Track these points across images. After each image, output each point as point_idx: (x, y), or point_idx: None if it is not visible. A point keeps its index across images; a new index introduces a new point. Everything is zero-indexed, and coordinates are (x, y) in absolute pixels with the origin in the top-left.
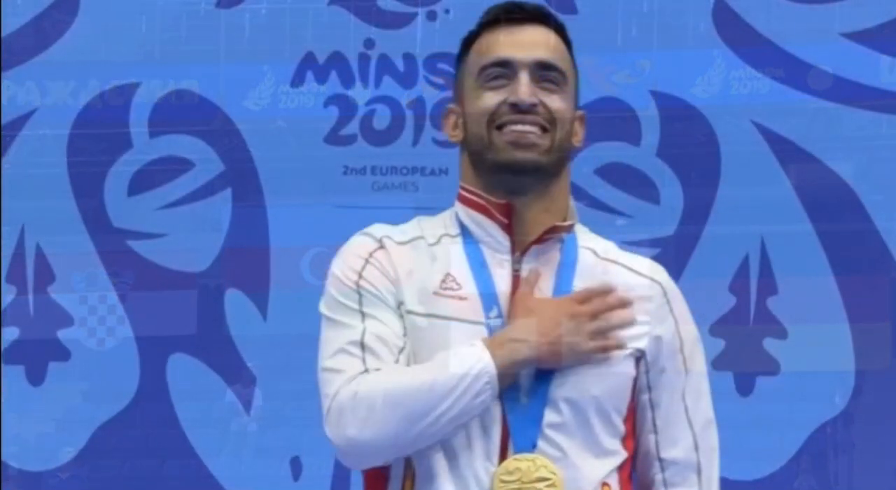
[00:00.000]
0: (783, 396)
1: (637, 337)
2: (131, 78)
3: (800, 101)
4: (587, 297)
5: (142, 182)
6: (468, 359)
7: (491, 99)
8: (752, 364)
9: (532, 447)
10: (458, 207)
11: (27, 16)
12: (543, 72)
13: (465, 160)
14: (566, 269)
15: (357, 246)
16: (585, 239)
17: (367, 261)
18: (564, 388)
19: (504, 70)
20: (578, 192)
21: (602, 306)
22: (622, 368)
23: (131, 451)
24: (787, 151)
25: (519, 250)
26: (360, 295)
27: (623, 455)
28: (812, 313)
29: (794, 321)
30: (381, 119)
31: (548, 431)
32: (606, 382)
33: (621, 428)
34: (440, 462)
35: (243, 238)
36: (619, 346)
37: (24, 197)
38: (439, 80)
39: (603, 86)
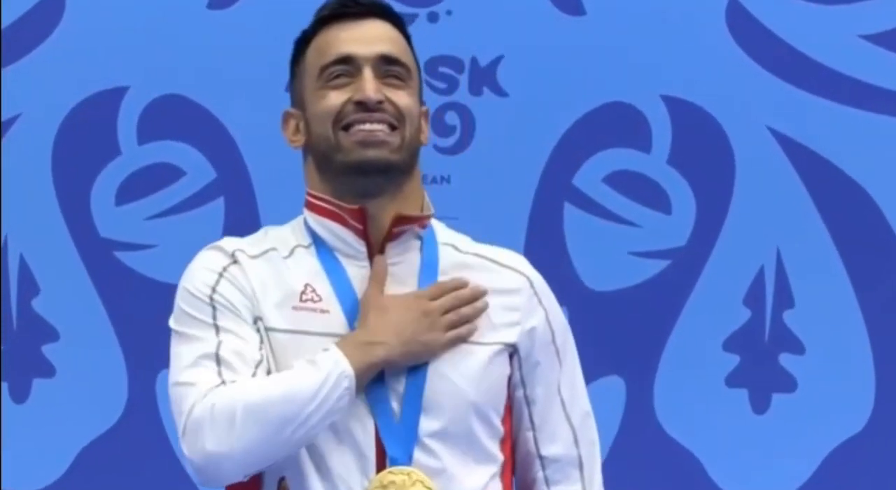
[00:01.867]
0: (800, 414)
1: (506, 330)
2: (119, 82)
3: (818, 107)
4: (439, 291)
5: (130, 190)
6: (325, 364)
7: (335, 99)
8: (767, 381)
9: (409, 459)
10: (308, 215)
11: (9, 18)
12: (387, 67)
13: (309, 166)
14: (428, 268)
15: (208, 260)
16: (444, 235)
17: (220, 275)
18: (439, 393)
19: (346, 67)
20: (586, 202)
21: (454, 301)
22: (496, 366)
23: (119, 470)
24: (804, 159)
25: (376, 253)
26: (215, 308)
27: (502, 458)
28: (830, 328)
29: (812, 336)
30: None
31: (426, 440)
32: (482, 382)
33: (500, 429)
34: (313, 477)
35: None
36: (471, 332)
37: (7, 206)
38: (441, 84)
39: (611, 90)
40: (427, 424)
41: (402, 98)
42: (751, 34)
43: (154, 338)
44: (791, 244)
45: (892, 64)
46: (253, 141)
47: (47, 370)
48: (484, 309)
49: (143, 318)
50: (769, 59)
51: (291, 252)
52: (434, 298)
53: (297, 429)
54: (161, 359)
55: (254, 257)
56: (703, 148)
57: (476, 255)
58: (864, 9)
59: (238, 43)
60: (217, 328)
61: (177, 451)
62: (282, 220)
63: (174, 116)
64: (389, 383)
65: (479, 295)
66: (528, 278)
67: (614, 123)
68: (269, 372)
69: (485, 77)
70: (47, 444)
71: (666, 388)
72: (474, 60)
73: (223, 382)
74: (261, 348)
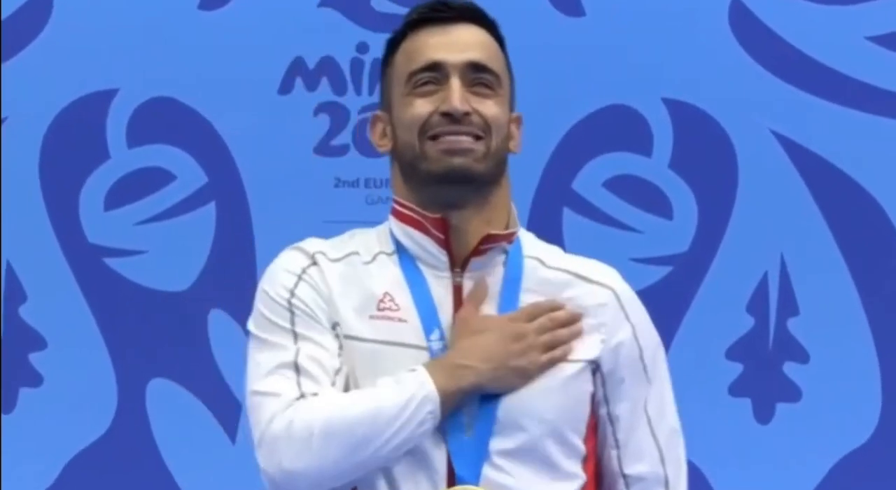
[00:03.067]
0: (805, 424)
1: (590, 347)
2: (108, 84)
3: (823, 110)
4: (534, 313)
5: (119, 195)
6: (410, 385)
7: (422, 107)
8: (771, 390)
9: (477, 477)
10: (392, 223)
11: None
12: (476, 74)
13: (395, 172)
14: (511, 283)
15: (289, 261)
16: (531, 248)
17: (300, 277)
18: (513, 411)
19: (434, 74)
20: (586, 207)
21: (550, 323)
22: (577, 383)
23: (108, 482)
24: (808, 163)
25: (458, 265)
26: (293, 313)
27: (583, 478)
28: (836, 336)
29: (817, 344)
30: None
31: (496, 459)
32: (560, 400)
33: (581, 448)
34: None
35: (228, 255)
36: (566, 356)
37: None
38: None
39: (611, 92)
40: (499, 442)
41: (490, 108)
42: (754, 35)
43: (144, 345)
44: (795, 250)
45: None
46: (245, 144)
47: (35, 379)
48: (580, 332)
49: (132, 326)
50: (773, 61)
51: (374, 258)
52: (529, 320)
53: (376, 450)
54: (151, 367)
55: (335, 260)
56: (706, 152)
57: (562, 270)
58: (870, 9)
59: (230, 44)
60: (295, 334)
61: (167, 460)
62: (273, 226)
63: (164, 119)
64: (464, 399)
65: (576, 318)
66: (614, 292)
67: (615, 126)
68: (347, 380)
69: None
70: (35, 454)
71: None
72: None
73: (302, 395)
74: (339, 355)
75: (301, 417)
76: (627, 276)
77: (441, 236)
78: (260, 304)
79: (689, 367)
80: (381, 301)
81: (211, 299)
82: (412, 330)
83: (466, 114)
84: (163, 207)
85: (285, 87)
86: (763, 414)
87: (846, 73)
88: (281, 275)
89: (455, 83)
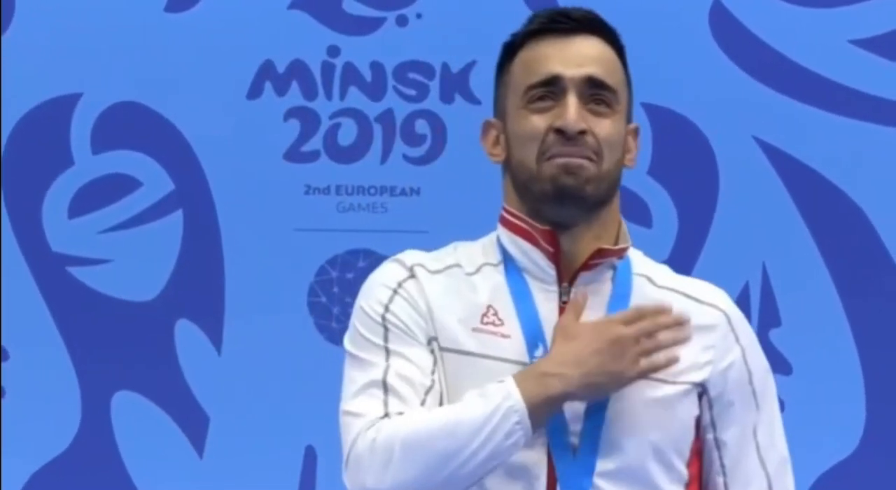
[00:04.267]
0: (788, 437)
1: (698, 369)
2: (72, 88)
3: (806, 115)
4: (635, 316)
5: (84, 202)
6: (495, 396)
7: (537, 124)
8: None
9: None
10: (501, 231)
11: None
12: (593, 91)
13: (508, 183)
14: (619, 300)
15: (385, 275)
16: (641, 265)
17: (395, 292)
18: (618, 432)
19: (551, 88)
20: None
21: (652, 327)
22: (682, 406)
23: None
24: (791, 170)
25: (566, 280)
26: (386, 329)
27: None
28: (819, 347)
29: (800, 356)
30: (347, 134)
31: (599, 481)
32: (665, 423)
33: (684, 473)
34: None
35: (196, 264)
36: (670, 362)
37: None
38: (411, 91)
39: None
40: (602, 463)
41: (605, 128)
42: (735, 38)
43: (108, 357)
44: (777, 259)
45: (883, 70)
46: (213, 150)
47: None
48: (686, 338)
49: (97, 337)
50: (755, 65)
51: (478, 269)
52: (629, 323)
53: (461, 465)
54: (116, 379)
55: (434, 272)
56: (686, 158)
57: (671, 289)
58: (854, 12)
59: (197, 47)
60: (388, 351)
61: (132, 475)
62: (242, 234)
63: (130, 124)
64: (568, 416)
65: (680, 322)
66: (725, 314)
67: None
68: (441, 397)
69: (456, 84)
70: None
71: None
72: (445, 66)
73: (387, 414)
74: (433, 372)
75: (382, 435)
76: None
77: (550, 249)
78: (356, 319)
79: None
80: (485, 314)
81: (178, 309)
82: (515, 345)
83: (581, 132)
84: (128, 215)
85: (254, 92)
86: None
87: (829, 77)
88: (377, 289)
89: (572, 100)
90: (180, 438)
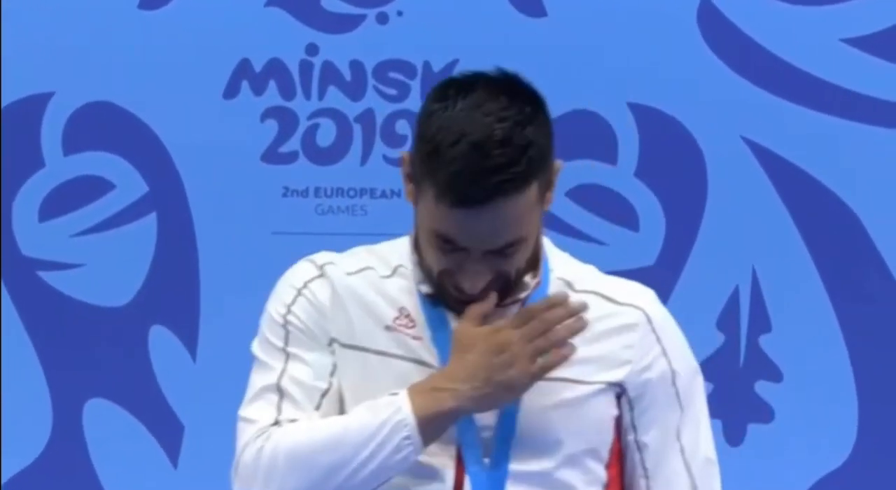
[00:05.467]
0: (778, 446)
1: (615, 369)
2: (43, 87)
3: (796, 115)
4: (525, 317)
5: (55, 205)
6: (384, 410)
7: (439, 260)
8: (742, 410)
9: None
10: (414, 252)
11: None
12: (500, 249)
13: (415, 225)
14: (528, 301)
15: (294, 274)
16: (562, 269)
17: (299, 292)
18: (530, 435)
19: (455, 244)
20: (547, 217)
21: (540, 326)
22: (598, 407)
23: None
24: (781, 171)
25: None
26: (287, 331)
27: None
28: (810, 353)
29: (790, 362)
30: (326, 134)
31: (511, 487)
32: (579, 424)
33: (602, 475)
34: None
35: (170, 269)
36: (564, 358)
37: None
38: (392, 91)
39: (574, 97)
40: (514, 468)
41: (514, 263)
42: (724, 37)
43: (80, 364)
44: (767, 263)
45: (875, 70)
46: (188, 152)
47: None
48: (582, 327)
49: (69, 344)
50: (744, 64)
51: (393, 272)
52: (518, 326)
53: (346, 479)
54: (88, 387)
55: (348, 274)
56: (673, 159)
57: (591, 292)
58: (845, 10)
59: (172, 46)
60: (286, 354)
61: (105, 485)
62: (217, 238)
63: (102, 125)
64: (478, 422)
65: (574, 311)
66: (646, 314)
67: (578, 133)
68: (342, 399)
69: None
70: None
71: None
72: (427, 65)
73: (277, 422)
74: (332, 374)
75: (270, 446)
76: None
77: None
78: (262, 321)
79: None
80: (397, 317)
81: (152, 315)
82: (426, 348)
83: (484, 292)
84: (101, 218)
85: (231, 91)
86: (734, 435)
87: (820, 77)
88: (283, 290)
89: (472, 267)
90: (154, 448)
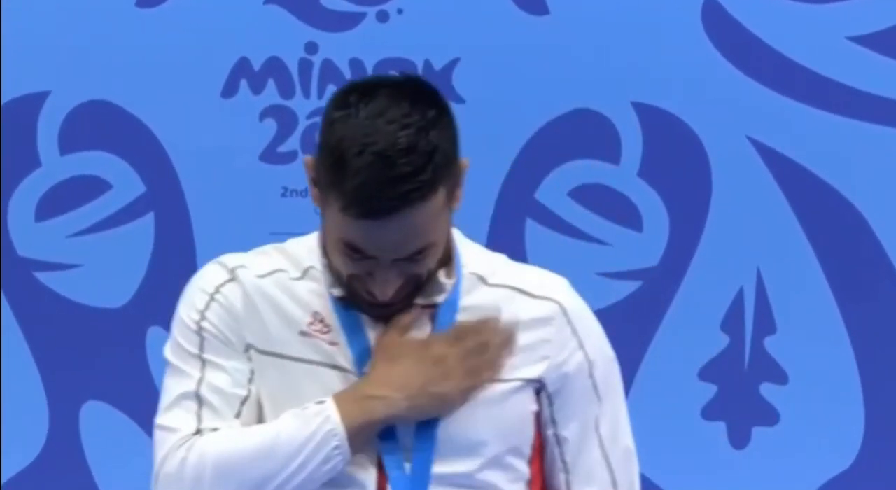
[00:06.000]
0: (783, 450)
1: (533, 365)
2: (39, 86)
3: (802, 114)
4: (458, 335)
5: (51, 205)
6: (313, 419)
7: (348, 267)
8: (747, 413)
9: None
10: (323, 255)
11: None
12: (408, 256)
13: (322, 227)
14: (447, 305)
15: (204, 278)
16: (473, 263)
17: (212, 297)
18: (450, 436)
19: (363, 253)
20: (550, 218)
21: (475, 345)
22: (518, 404)
23: None
24: (787, 171)
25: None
26: (202, 338)
27: None
28: (816, 355)
29: (796, 364)
30: None
31: (435, 488)
32: (499, 423)
33: (525, 471)
34: None
35: (168, 269)
36: (494, 379)
37: None
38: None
39: (577, 96)
40: (437, 470)
41: (424, 267)
42: (729, 35)
43: (77, 366)
44: (773, 264)
45: (882, 68)
46: (186, 151)
47: None
48: (511, 354)
49: (65, 345)
50: (749, 63)
51: (304, 274)
52: (453, 343)
53: (276, 489)
54: (85, 389)
55: (259, 276)
56: (678, 159)
57: (504, 286)
58: (851, 8)
59: (170, 44)
60: (203, 361)
61: (101, 487)
62: (216, 238)
63: (99, 124)
64: (398, 426)
65: (507, 335)
66: (560, 305)
67: (580, 132)
68: (260, 406)
69: (440, 82)
70: None
71: (636, 420)
72: (428, 64)
73: (199, 431)
74: (250, 381)
75: (194, 456)
76: (594, 292)
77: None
78: (174, 326)
79: (659, 389)
80: (311, 323)
81: (150, 316)
82: (344, 353)
83: (394, 301)
84: (98, 218)
85: (229, 90)
86: (738, 438)
87: (826, 76)
88: (194, 295)
89: (381, 276)
90: (152, 451)
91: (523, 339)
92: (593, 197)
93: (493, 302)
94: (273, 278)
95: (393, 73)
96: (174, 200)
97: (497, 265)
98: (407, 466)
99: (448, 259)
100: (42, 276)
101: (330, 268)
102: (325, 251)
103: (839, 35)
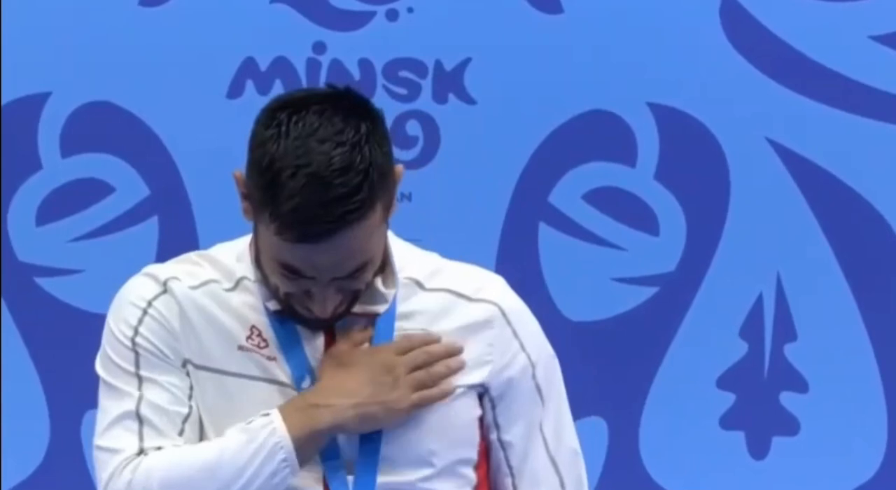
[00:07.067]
0: (804, 460)
1: (476, 370)
2: (40, 87)
3: (823, 115)
4: (407, 345)
5: (53, 209)
6: (259, 433)
7: (284, 285)
8: (766, 422)
9: None
10: (255, 262)
11: None
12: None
13: (254, 241)
14: (386, 316)
15: (134, 291)
16: (408, 267)
17: (145, 311)
18: (395, 446)
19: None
20: (564, 222)
21: (425, 357)
22: (462, 410)
23: None
24: (807, 174)
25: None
26: (137, 354)
27: None
28: (837, 363)
29: (817, 372)
30: None
31: None
32: (444, 430)
33: (472, 477)
34: None
35: None
36: (444, 394)
37: None
38: (402, 90)
39: (592, 97)
40: (382, 480)
41: (362, 282)
42: (748, 34)
43: (79, 374)
44: (793, 269)
45: None
46: (190, 153)
47: None
48: (459, 368)
49: (66, 353)
50: (768, 63)
51: (236, 284)
52: (401, 353)
53: None
54: (87, 397)
55: (192, 288)
56: (695, 161)
57: (441, 289)
58: (874, 6)
59: (174, 44)
60: (140, 379)
61: None
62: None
63: (102, 126)
64: (341, 440)
65: (454, 352)
66: (499, 308)
67: (595, 134)
68: (201, 422)
69: (450, 82)
70: None
71: (653, 430)
72: (438, 64)
73: (142, 451)
74: (190, 398)
75: (140, 476)
76: (609, 298)
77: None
78: (105, 342)
79: (677, 398)
80: (249, 336)
81: None
82: (283, 367)
83: (334, 318)
84: (100, 222)
85: (235, 91)
86: (758, 448)
87: (848, 76)
88: (125, 309)
89: (322, 293)
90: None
91: (465, 345)
92: (608, 200)
93: (431, 307)
94: (205, 289)
95: (404, 74)
96: (178, 204)
97: (431, 267)
98: (350, 479)
99: (384, 266)
100: (43, 282)
101: (264, 281)
102: (259, 264)
103: (861, 34)
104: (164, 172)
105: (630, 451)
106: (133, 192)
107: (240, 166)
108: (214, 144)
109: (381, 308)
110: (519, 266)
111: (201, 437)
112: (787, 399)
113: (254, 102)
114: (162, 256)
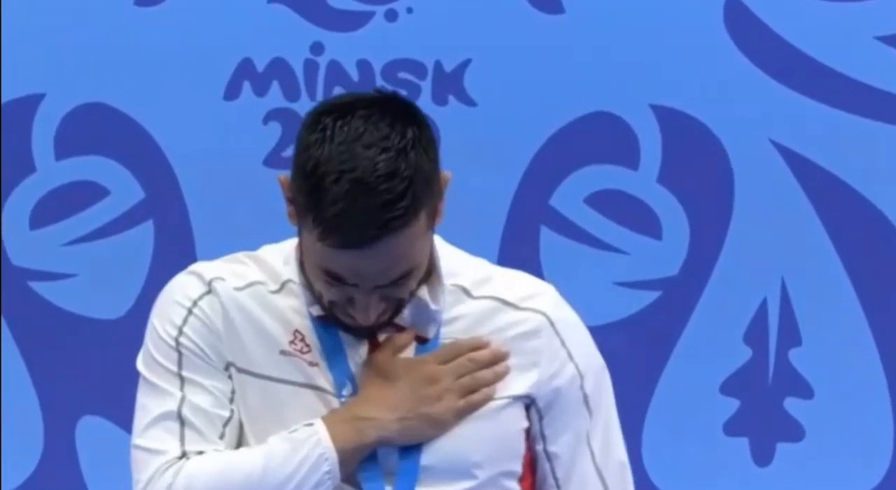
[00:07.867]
0: (808, 467)
1: (521, 381)
2: (34, 88)
3: (828, 117)
4: (450, 354)
5: (47, 212)
6: (304, 443)
7: (328, 292)
8: (771, 428)
9: None
10: (300, 269)
11: None
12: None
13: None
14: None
15: (180, 290)
16: (454, 274)
17: (190, 311)
18: (437, 457)
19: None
20: (565, 225)
21: (469, 365)
22: (507, 421)
23: None
24: (812, 176)
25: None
26: (181, 354)
27: None
28: (842, 368)
29: (822, 377)
30: None
31: None
32: (489, 442)
33: None
34: None
35: (167, 279)
36: (489, 398)
37: None
38: (400, 92)
39: (594, 98)
40: None
41: (407, 290)
42: (752, 35)
43: (73, 379)
44: (798, 273)
45: None
46: (186, 156)
47: None
48: (505, 373)
49: (60, 358)
50: (772, 64)
51: (282, 287)
52: (445, 362)
53: None
54: (82, 402)
55: (237, 289)
56: (698, 164)
57: (489, 297)
58: (879, 7)
59: (170, 44)
60: (182, 379)
61: None
62: (218, 246)
63: (97, 128)
64: (380, 450)
65: (500, 357)
66: (547, 317)
67: (597, 136)
68: (242, 427)
69: (450, 84)
70: None
71: (656, 436)
72: (438, 65)
73: (185, 454)
74: (232, 401)
75: (182, 482)
76: (611, 302)
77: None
78: (148, 340)
79: (680, 403)
80: (293, 341)
81: None
82: (325, 374)
83: (379, 326)
84: (95, 226)
85: (232, 92)
86: (762, 455)
87: (853, 77)
88: (170, 307)
89: (362, 302)
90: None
91: (512, 354)
92: (610, 203)
93: (478, 315)
94: (250, 291)
95: (403, 75)
96: (174, 207)
97: (482, 275)
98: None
99: (430, 274)
100: (37, 286)
101: (309, 286)
102: (303, 268)
103: (867, 35)
104: (159, 175)
105: (633, 456)
106: (128, 195)
107: (237, 168)
108: (211, 146)
109: (432, 332)
110: (520, 270)
111: (240, 441)
112: (792, 405)
113: (251, 104)
114: (157, 261)
